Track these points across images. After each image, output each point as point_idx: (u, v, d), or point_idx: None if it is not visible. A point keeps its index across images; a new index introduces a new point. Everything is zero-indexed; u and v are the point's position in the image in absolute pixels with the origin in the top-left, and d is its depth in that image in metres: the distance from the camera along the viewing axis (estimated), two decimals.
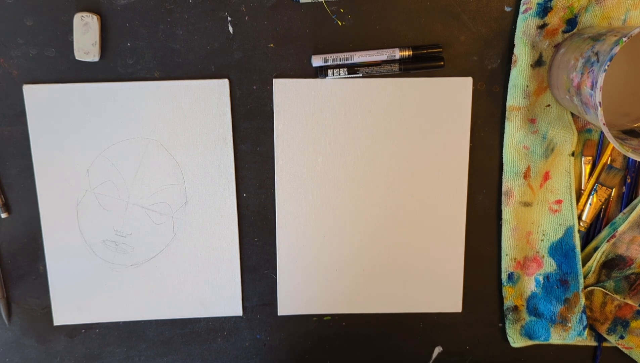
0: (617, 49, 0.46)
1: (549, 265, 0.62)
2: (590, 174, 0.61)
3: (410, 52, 0.58)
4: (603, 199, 0.61)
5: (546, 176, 0.61)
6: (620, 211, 0.62)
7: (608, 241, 0.61)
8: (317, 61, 0.58)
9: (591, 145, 0.61)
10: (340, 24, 0.58)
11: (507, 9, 0.58)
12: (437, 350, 0.66)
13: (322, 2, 0.57)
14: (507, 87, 0.60)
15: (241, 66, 0.59)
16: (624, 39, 0.46)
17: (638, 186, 0.62)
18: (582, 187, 0.62)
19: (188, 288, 0.63)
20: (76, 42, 0.56)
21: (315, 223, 0.62)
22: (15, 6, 0.56)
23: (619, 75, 0.56)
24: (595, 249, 0.62)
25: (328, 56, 0.58)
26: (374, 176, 0.62)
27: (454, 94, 0.60)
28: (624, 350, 0.65)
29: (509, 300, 0.64)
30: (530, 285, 0.63)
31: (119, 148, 0.60)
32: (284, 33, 0.58)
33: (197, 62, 0.58)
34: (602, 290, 0.61)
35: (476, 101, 0.60)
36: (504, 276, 0.64)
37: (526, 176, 0.60)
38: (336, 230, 0.63)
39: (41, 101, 0.58)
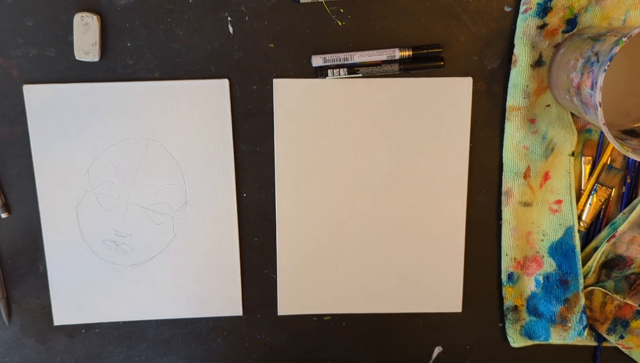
0: (617, 49, 0.46)
1: (549, 265, 0.62)
2: (590, 174, 0.61)
3: (410, 52, 0.58)
4: (603, 199, 0.61)
5: (546, 176, 0.61)
6: (620, 211, 0.62)
7: (608, 241, 0.61)
8: (317, 61, 0.58)
9: (591, 145, 0.61)
10: (340, 24, 0.58)
11: (507, 9, 0.58)
12: (437, 350, 0.66)
13: (322, 2, 0.57)
14: (507, 87, 0.60)
15: (241, 66, 0.59)
16: (624, 39, 0.46)
17: (638, 186, 0.62)
18: (582, 187, 0.62)
19: (188, 288, 0.63)
20: (76, 42, 0.56)
21: (315, 223, 0.62)
22: (15, 6, 0.56)
23: (619, 75, 0.56)
24: (595, 249, 0.62)
25: (328, 56, 0.58)
26: (374, 176, 0.62)
27: (454, 94, 0.60)
28: (624, 350, 0.65)
29: (509, 300, 0.64)
30: (530, 285, 0.63)
31: (119, 148, 0.60)
32: (284, 33, 0.58)
33: (197, 62, 0.58)
34: (602, 290, 0.61)
35: (476, 101, 0.60)
36: (504, 276, 0.64)
37: (526, 176, 0.60)
38: (336, 230, 0.63)
39: (41, 101, 0.58)
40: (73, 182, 0.60)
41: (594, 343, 0.66)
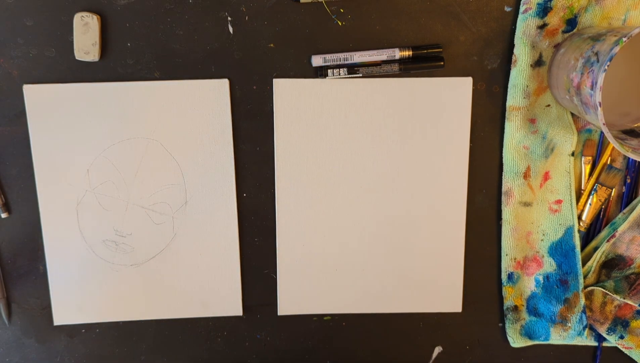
0: (617, 49, 0.46)
1: (549, 265, 0.62)
2: (590, 174, 0.61)
3: (410, 52, 0.58)
4: (603, 199, 0.61)
5: (546, 176, 0.61)
6: (620, 211, 0.62)
7: (608, 241, 0.61)
8: (317, 61, 0.58)
9: (591, 145, 0.61)
10: (340, 24, 0.58)
11: (507, 9, 0.58)
12: (437, 350, 0.66)
13: (322, 2, 0.57)
14: (507, 87, 0.60)
15: (241, 66, 0.59)
16: (624, 39, 0.46)
17: (638, 186, 0.62)
18: (582, 187, 0.62)
19: (188, 288, 0.63)
20: (76, 42, 0.57)
21: (315, 223, 0.62)
22: (15, 6, 0.56)
23: (619, 75, 0.56)
24: (595, 249, 0.62)
25: (328, 56, 0.58)
26: (373, 176, 0.62)
27: (454, 94, 0.60)
28: (624, 350, 0.65)
29: (508, 300, 0.64)
30: (530, 284, 0.63)
31: (119, 148, 0.60)
32: (284, 33, 0.58)
33: (197, 62, 0.58)
34: (602, 290, 0.61)
35: (476, 101, 0.60)
36: (504, 276, 0.64)
37: (526, 176, 0.61)
38: (336, 230, 0.63)
39: (41, 101, 0.58)
40: (73, 182, 0.60)
41: (594, 343, 0.66)
